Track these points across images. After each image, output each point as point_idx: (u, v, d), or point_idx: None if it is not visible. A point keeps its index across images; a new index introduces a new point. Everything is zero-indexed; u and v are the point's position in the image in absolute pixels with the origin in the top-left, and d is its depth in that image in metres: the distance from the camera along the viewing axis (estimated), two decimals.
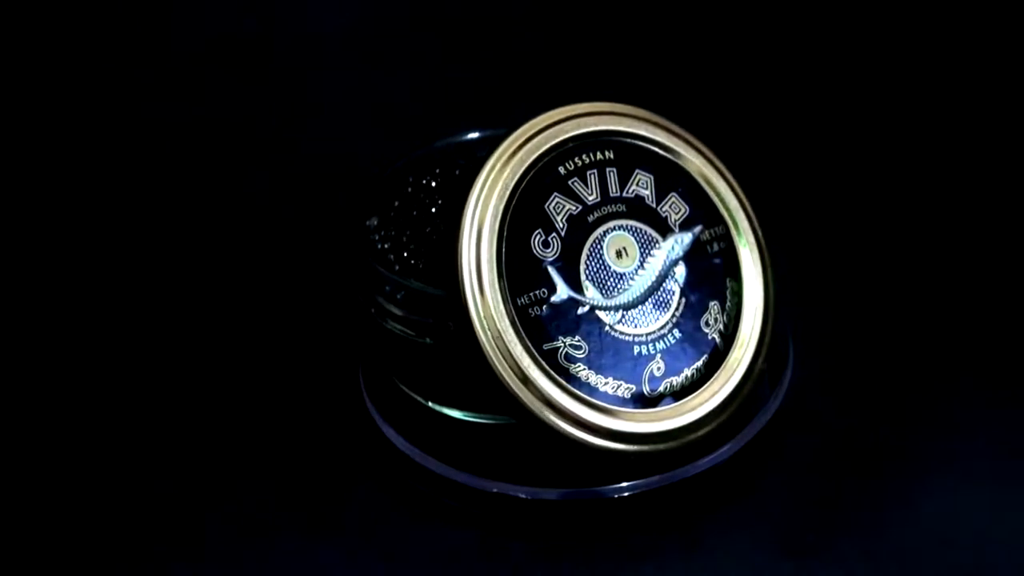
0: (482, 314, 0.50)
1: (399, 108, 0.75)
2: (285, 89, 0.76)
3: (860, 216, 0.69)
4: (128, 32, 0.73)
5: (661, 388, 0.52)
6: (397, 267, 0.54)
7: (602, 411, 0.51)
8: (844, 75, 0.78)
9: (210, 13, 0.75)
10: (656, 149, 0.54)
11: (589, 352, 0.51)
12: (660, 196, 0.54)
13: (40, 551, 0.52)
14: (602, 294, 0.52)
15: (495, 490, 0.51)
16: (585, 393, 0.51)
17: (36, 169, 0.73)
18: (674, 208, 0.54)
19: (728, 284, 0.54)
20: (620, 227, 0.53)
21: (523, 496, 0.51)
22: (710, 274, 0.54)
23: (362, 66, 0.77)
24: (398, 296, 0.53)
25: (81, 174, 0.73)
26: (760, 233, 0.55)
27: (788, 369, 0.57)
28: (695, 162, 0.55)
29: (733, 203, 0.55)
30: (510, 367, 0.50)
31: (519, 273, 0.51)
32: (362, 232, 0.56)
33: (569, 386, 0.51)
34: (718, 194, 0.55)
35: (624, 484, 0.51)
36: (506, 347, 0.50)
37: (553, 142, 0.52)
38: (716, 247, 0.54)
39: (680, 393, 0.52)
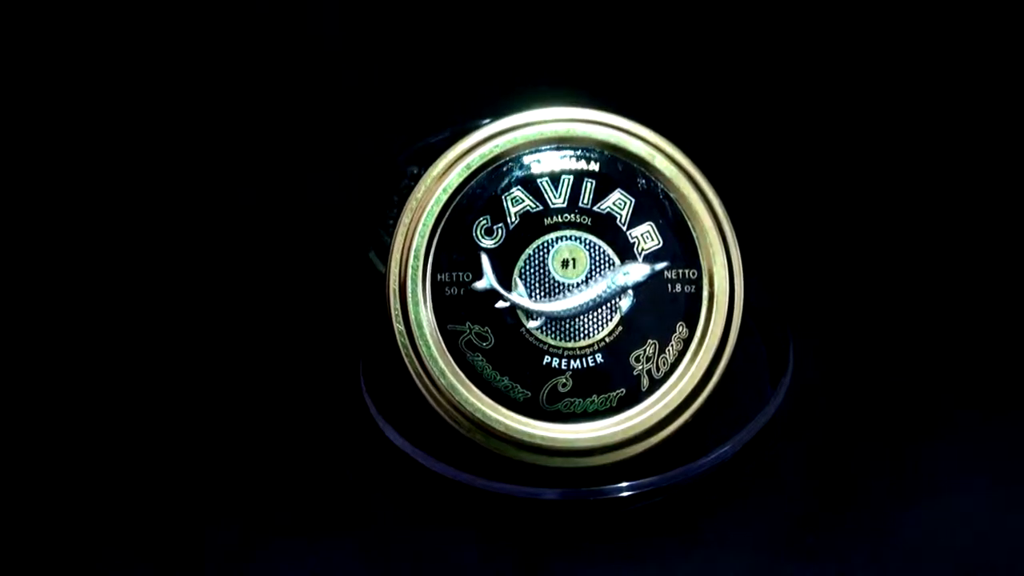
0: (398, 275, 0.52)
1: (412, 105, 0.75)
2: (289, 85, 0.76)
3: (861, 217, 0.69)
4: (130, 32, 0.73)
5: (560, 405, 0.51)
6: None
7: (479, 400, 0.51)
8: (846, 78, 0.74)
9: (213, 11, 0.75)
10: (649, 173, 0.53)
11: (494, 345, 0.52)
12: (635, 221, 0.52)
13: (39, 549, 0.52)
14: (530, 296, 0.52)
15: (495, 490, 0.51)
16: (472, 381, 0.51)
17: (36, 170, 0.73)
18: (646, 237, 0.52)
19: (678, 328, 0.52)
20: (576, 238, 0.52)
21: (522, 496, 0.51)
22: (661, 312, 0.52)
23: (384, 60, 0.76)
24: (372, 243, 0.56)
25: (83, 163, 0.73)
26: (740, 288, 0.52)
27: (788, 369, 0.56)
28: (688, 198, 0.52)
29: (718, 253, 0.52)
30: (405, 330, 0.51)
31: (449, 251, 0.52)
32: (396, 176, 0.58)
33: (456, 368, 0.51)
34: (704, 238, 0.52)
35: (624, 484, 0.50)
36: (409, 313, 0.51)
37: (537, 138, 0.52)
38: (679, 288, 0.52)
39: (580, 417, 0.51)
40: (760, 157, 0.74)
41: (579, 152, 0.53)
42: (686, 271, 0.52)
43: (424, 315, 0.51)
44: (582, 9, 0.72)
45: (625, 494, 0.51)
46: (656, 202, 0.52)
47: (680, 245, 0.52)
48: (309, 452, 0.56)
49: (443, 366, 0.51)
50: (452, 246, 0.52)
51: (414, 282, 0.52)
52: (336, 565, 0.50)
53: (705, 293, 0.52)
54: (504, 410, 0.51)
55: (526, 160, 0.52)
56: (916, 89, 0.74)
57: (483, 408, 0.51)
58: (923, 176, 0.72)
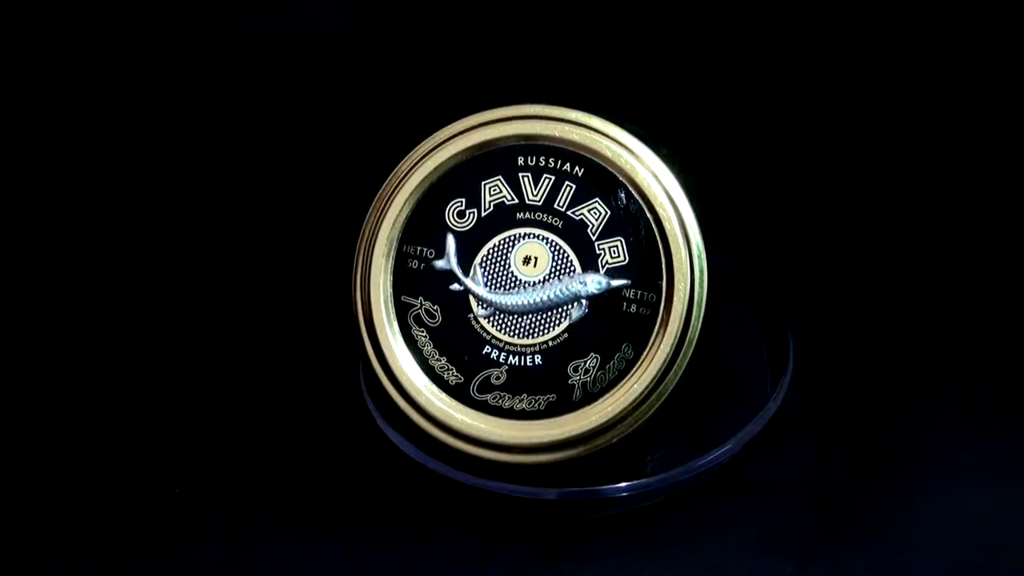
0: (370, 238, 0.53)
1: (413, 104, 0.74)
2: (289, 87, 0.75)
3: (861, 215, 0.69)
4: (130, 33, 0.73)
5: (489, 397, 0.52)
6: None
7: (414, 375, 0.52)
8: (844, 75, 0.73)
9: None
10: (632, 191, 0.52)
11: (440, 325, 0.52)
12: (605, 234, 0.52)
13: (38, 548, 0.52)
14: (485, 285, 0.52)
15: (495, 490, 0.51)
16: (413, 355, 0.52)
17: (36, 170, 0.73)
18: (613, 252, 0.52)
19: (623, 348, 0.51)
20: (543, 238, 0.52)
21: (522, 495, 0.51)
22: (610, 328, 0.51)
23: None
24: None
25: (88, 169, 0.73)
26: (698, 321, 0.51)
27: (788, 369, 0.55)
28: (666, 223, 0.51)
29: (682, 281, 0.51)
30: (362, 293, 0.53)
31: (420, 226, 0.53)
32: None
33: (400, 339, 0.52)
34: (671, 264, 0.51)
35: (624, 484, 0.50)
36: (371, 277, 0.53)
37: (529, 132, 0.52)
38: (634, 308, 0.51)
39: (507, 413, 0.51)
40: (761, 156, 0.73)
41: (566, 154, 0.52)
42: (645, 293, 0.51)
43: (383, 281, 0.53)
44: (580, 13, 0.71)
45: (624, 494, 0.50)
46: (631, 218, 0.52)
47: (646, 266, 0.52)
48: (309, 452, 0.56)
49: (389, 334, 0.52)
50: (424, 221, 0.53)
51: (381, 248, 0.53)
52: (335, 565, 0.51)
53: (659, 319, 0.51)
54: (435, 389, 0.52)
55: (512, 152, 0.53)
56: (912, 88, 0.73)
57: (415, 383, 0.52)
58: (923, 174, 0.71)
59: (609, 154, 0.52)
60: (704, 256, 0.51)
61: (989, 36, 0.71)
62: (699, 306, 0.51)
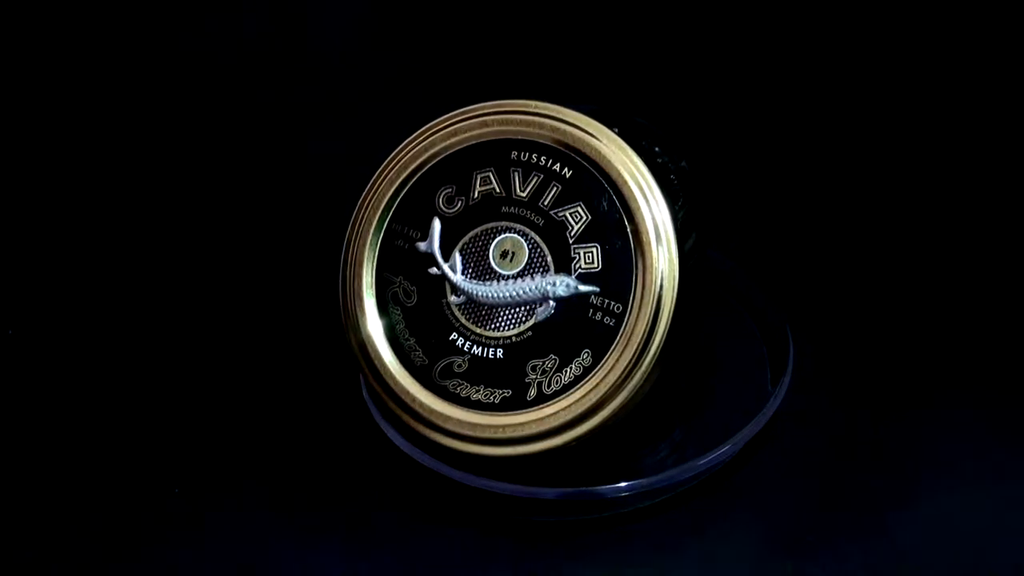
0: (363, 215, 0.55)
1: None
2: (288, 87, 0.74)
3: (861, 216, 0.69)
4: (129, 32, 0.73)
5: (448, 384, 0.53)
6: None
7: (383, 351, 0.53)
8: (847, 76, 0.73)
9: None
10: (616, 200, 0.52)
11: (414, 305, 0.53)
12: (582, 238, 0.52)
13: (41, 551, 0.52)
14: (462, 273, 0.53)
15: (495, 490, 0.52)
16: (385, 330, 0.54)
17: (35, 171, 0.72)
18: (587, 257, 0.52)
19: (582, 354, 0.51)
20: (523, 234, 0.53)
21: (521, 495, 0.52)
22: (573, 332, 0.52)
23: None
24: None
25: (88, 171, 0.73)
26: (659, 337, 0.51)
27: (788, 369, 0.56)
28: (643, 236, 0.51)
29: (651, 293, 0.51)
30: (352, 265, 0.54)
31: (411, 206, 0.54)
32: None
33: (376, 314, 0.54)
34: (642, 280, 0.51)
35: (623, 484, 0.51)
36: (359, 248, 0.54)
37: (526, 130, 0.53)
38: (599, 316, 0.51)
39: (463, 401, 0.52)
40: (761, 159, 0.72)
41: (558, 154, 0.53)
42: (612, 303, 0.51)
43: (369, 256, 0.54)
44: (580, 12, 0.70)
45: (624, 494, 0.51)
46: (610, 227, 0.52)
47: (617, 277, 0.51)
48: (310, 453, 0.57)
49: (367, 308, 0.54)
50: (415, 202, 0.54)
51: (372, 223, 0.54)
52: (336, 565, 0.52)
53: (622, 330, 0.51)
54: (400, 367, 0.53)
55: (506, 146, 0.53)
56: (913, 90, 0.71)
57: (383, 358, 0.54)
58: (924, 176, 0.70)
59: (600, 160, 0.52)
60: (678, 275, 0.51)
61: (989, 36, 0.69)
62: (665, 323, 0.51)
